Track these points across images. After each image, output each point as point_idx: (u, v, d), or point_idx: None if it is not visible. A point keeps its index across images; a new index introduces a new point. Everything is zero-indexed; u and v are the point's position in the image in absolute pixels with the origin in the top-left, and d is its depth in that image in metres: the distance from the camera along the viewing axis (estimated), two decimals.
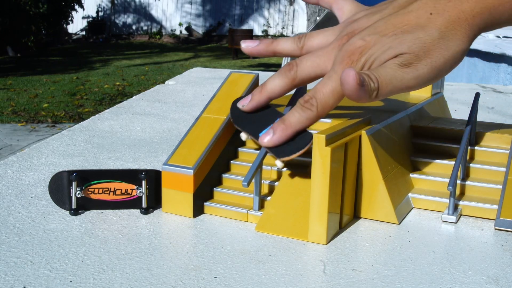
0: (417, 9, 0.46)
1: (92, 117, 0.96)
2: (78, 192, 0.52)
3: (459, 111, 1.10)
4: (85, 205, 0.53)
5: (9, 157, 0.70)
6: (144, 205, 0.53)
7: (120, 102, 1.53)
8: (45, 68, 7.08)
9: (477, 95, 0.60)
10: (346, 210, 0.51)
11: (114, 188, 0.53)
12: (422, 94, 0.74)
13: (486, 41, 3.57)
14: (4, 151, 3.47)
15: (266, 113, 0.52)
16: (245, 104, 0.51)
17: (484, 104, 1.22)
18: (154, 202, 0.54)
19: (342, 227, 0.51)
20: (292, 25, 11.73)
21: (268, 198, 0.52)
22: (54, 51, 9.09)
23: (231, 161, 0.57)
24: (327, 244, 0.47)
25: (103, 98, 5.30)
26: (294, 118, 0.48)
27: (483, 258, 0.46)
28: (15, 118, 4.44)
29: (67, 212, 0.53)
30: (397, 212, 0.52)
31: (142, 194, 0.53)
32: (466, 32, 0.45)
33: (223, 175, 0.56)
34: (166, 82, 1.41)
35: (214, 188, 0.55)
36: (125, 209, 0.54)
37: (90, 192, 0.53)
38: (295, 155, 0.48)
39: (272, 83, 0.51)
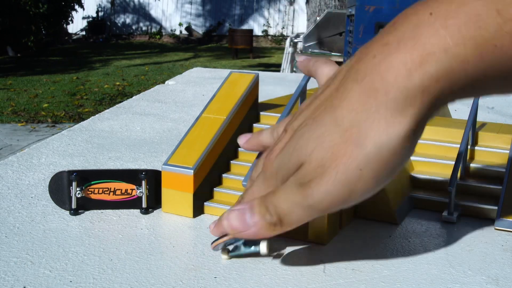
0: (338, 76, 0.34)
1: (92, 117, 0.96)
2: (78, 192, 0.52)
3: (459, 111, 1.10)
4: (85, 205, 0.53)
5: (9, 157, 0.70)
6: (144, 205, 0.53)
7: (120, 102, 1.53)
8: (45, 68, 7.08)
9: None
10: (346, 210, 0.51)
11: (114, 188, 0.53)
12: None
13: None
14: (4, 151, 3.48)
15: None
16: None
17: (484, 104, 1.22)
18: (154, 202, 0.54)
19: (342, 227, 0.51)
20: (292, 25, 11.73)
21: None
22: (54, 51, 9.09)
23: (231, 161, 0.57)
24: (326, 244, 0.47)
25: (103, 98, 5.30)
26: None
27: (483, 258, 0.46)
28: (15, 118, 4.44)
29: (67, 212, 0.53)
30: (397, 212, 0.52)
31: (142, 194, 0.53)
32: (408, 112, 0.31)
33: (223, 175, 0.56)
34: (166, 82, 1.41)
35: (214, 188, 0.55)
36: (125, 209, 0.54)
37: (90, 192, 0.53)
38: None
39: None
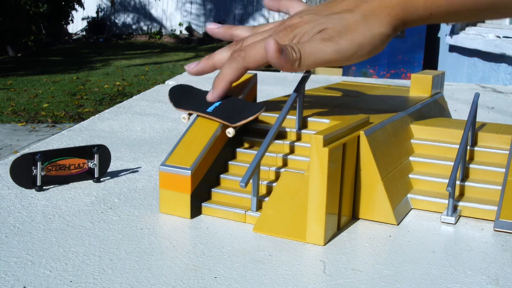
0: None
1: (92, 117, 0.96)
2: (41, 170, 0.58)
3: (459, 111, 1.10)
4: (47, 182, 0.60)
5: (9, 157, 0.70)
6: (96, 175, 0.62)
7: (120, 102, 1.53)
8: (45, 68, 7.08)
9: (477, 95, 0.60)
10: (344, 211, 0.51)
11: (69, 163, 0.61)
12: (422, 95, 0.74)
13: (486, 41, 3.57)
14: (4, 151, 3.48)
15: (205, 93, 0.57)
16: (192, 67, 0.58)
17: (484, 104, 1.22)
18: (103, 173, 0.63)
19: (340, 228, 0.51)
20: None
21: (266, 199, 0.52)
22: (54, 51, 9.08)
23: (229, 162, 0.57)
24: (324, 245, 0.47)
25: (103, 98, 5.29)
26: (225, 70, 0.54)
27: (483, 258, 0.46)
28: (15, 118, 4.44)
29: (67, 212, 0.53)
30: (395, 213, 0.52)
31: (95, 166, 0.61)
32: (386, 19, 0.51)
33: (221, 175, 0.56)
34: (166, 82, 1.41)
35: (212, 189, 0.55)
36: (80, 181, 0.61)
37: (49, 170, 0.59)
38: (245, 121, 0.53)
39: (220, 54, 0.57)
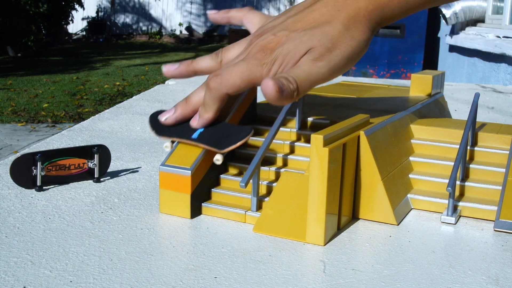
0: (320, 7, 0.50)
1: (92, 117, 0.96)
2: (41, 170, 0.58)
3: (459, 111, 1.10)
4: (47, 182, 0.60)
5: (9, 157, 0.70)
6: (96, 175, 0.61)
7: (120, 102, 1.53)
8: (45, 68, 7.08)
9: (477, 95, 0.60)
10: (345, 211, 0.51)
11: (69, 163, 0.61)
12: (422, 95, 0.74)
13: (486, 41, 3.57)
14: (4, 151, 3.48)
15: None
16: (167, 117, 0.54)
17: (484, 104, 1.22)
18: (104, 173, 0.63)
19: (340, 228, 0.51)
20: None
21: (266, 199, 0.52)
22: (54, 51, 9.09)
23: (229, 162, 0.57)
24: (324, 245, 0.47)
25: (103, 98, 5.30)
26: (196, 96, 0.53)
27: (483, 258, 0.46)
28: (15, 118, 4.44)
29: (67, 212, 0.53)
30: (395, 213, 0.52)
31: (95, 166, 0.61)
32: (365, 25, 0.49)
33: (221, 175, 0.56)
34: (166, 82, 1.41)
35: (212, 189, 0.55)
36: (80, 181, 0.61)
37: (49, 170, 0.59)
38: (233, 147, 0.50)
39: (198, 95, 0.54)
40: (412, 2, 0.51)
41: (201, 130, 0.52)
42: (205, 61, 0.55)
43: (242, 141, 0.51)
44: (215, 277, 0.41)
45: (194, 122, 0.53)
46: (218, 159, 0.51)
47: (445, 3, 0.55)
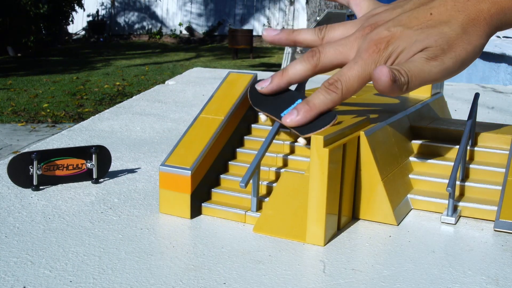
0: (438, 6, 0.49)
1: (92, 117, 0.96)
2: (38, 170, 0.58)
3: (459, 111, 1.10)
4: (44, 182, 0.60)
5: (9, 157, 0.70)
6: (95, 175, 0.61)
7: (120, 102, 1.53)
8: (45, 68, 7.08)
9: (477, 96, 0.60)
10: (345, 211, 0.51)
11: (67, 164, 0.60)
12: (422, 95, 0.74)
13: None
14: (4, 151, 3.48)
15: (286, 95, 0.54)
16: (264, 86, 0.53)
17: (484, 104, 1.22)
18: (103, 174, 0.62)
19: (340, 228, 0.51)
20: (293, 25, 11.72)
21: (266, 199, 0.52)
22: (54, 51, 9.08)
23: (229, 162, 0.57)
24: (324, 245, 0.47)
25: (103, 98, 5.30)
26: (318, 100, 0.50)
27: (483, 258, 0.46)
28: (15, 118, 4.44)
29: (67, 212, 0.53)
30: (395, 213, 0.52)
31: (93, 166, 0.60)
32: (484, 29, 0.48)
33: (221, 175, 0.56)
34: (166, 82, 1.41)
35: (212, 189, 0.55)
36: (77, 182, 0.61)
37: (46, 170, 0.59)
38: (315, 133, 0.49)
39: (294, 68, 0.53)
40: None
41: (290, 109, 0.52)
42: (307, 34, 0.55)
43: (326, 126, 0.50)
44: (215, 277, 0.41)
45: (287, 120, 0.51)
46: (299, 141, 0.51)
47: None
